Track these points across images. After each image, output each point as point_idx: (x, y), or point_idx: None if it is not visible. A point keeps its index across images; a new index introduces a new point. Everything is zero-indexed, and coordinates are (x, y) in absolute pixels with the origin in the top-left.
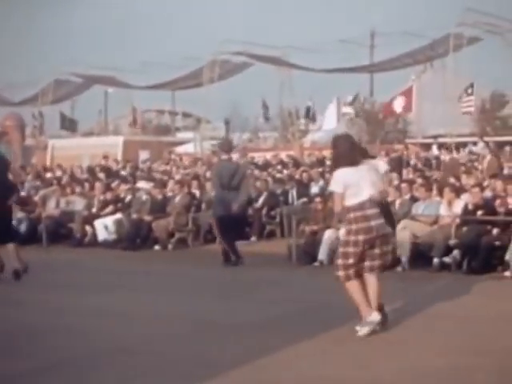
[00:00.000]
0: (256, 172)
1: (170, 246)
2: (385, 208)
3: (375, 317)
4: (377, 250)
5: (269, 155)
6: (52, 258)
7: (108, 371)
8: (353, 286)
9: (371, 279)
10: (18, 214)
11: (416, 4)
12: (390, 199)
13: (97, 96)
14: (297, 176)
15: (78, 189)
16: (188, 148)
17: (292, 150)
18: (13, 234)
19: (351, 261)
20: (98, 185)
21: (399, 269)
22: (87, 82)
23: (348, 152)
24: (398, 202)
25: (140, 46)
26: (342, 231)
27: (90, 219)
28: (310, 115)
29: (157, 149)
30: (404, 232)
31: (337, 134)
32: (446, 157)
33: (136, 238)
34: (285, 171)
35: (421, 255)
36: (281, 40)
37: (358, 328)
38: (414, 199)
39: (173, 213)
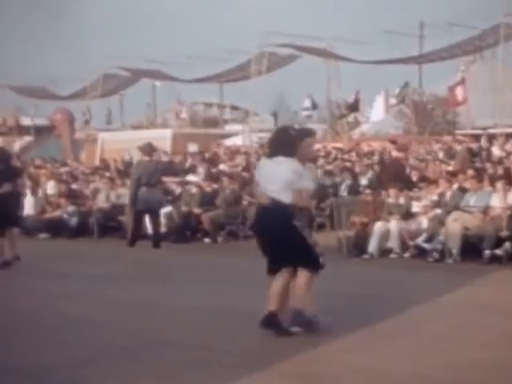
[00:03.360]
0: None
1: (219, 239)
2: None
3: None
4: None
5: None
6: (101, 251)
7: (151, 364)
8: None
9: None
10: (69, 208)
11: None
12: (439, 190)
13: (145, 89)
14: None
15: (128, 182)
16: (236, 140)
17: (340, 142)
18: (14, 219)
19: None
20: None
21: (450, 261)
22: (135, 75)
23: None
24: (448, 194)
25: (186, 39)
26: (393, 223)
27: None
28: (357, 106)
29: (205, 141)
30: (455, 224)
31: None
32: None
33: (185, 230)
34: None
35: (472, 247)
36: (327, 32)
37: None
38: (463, 190)
39: (222, 205)
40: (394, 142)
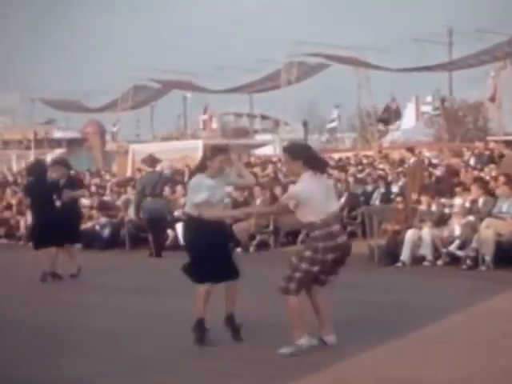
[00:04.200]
0: (335, 173)
1: (251, 249)
2: None
3: (305, 341)
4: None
5: (346, 155)
6: (133, 262)
7: (187, 374)
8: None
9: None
10: (102, 219)
11: (490, 1)
12: (472, 197)
13: (175, 101)
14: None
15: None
16: (267, 150)
17: (370, 150)
18: (77, 235)
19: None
20: (179, 188)
21: (483, 268)
22: (165, 87)
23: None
24: (480, 201)
25: (216, 50)
26: (426, 230)
27: (171, 223)
28: (394, 113)
29: (235, 151)
30: (488, 230)
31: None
32: None
33: None
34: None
35: (505, 254)
36: (356, 40)
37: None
38: (495, 197)
39: (254, 215)
40: (411, 149)
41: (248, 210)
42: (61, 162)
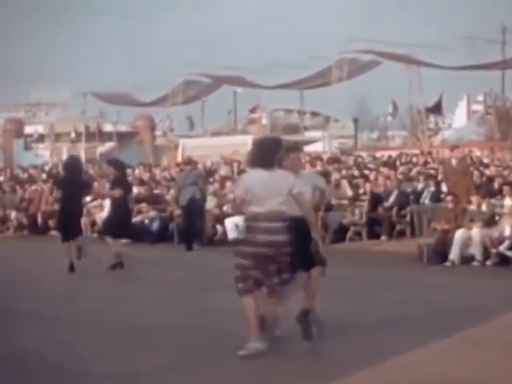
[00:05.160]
0: (385, 170)
1: None
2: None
3: (257, 344)
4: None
5: (394, 153)
6: (182, 256)
7: (233, 371)
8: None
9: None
10: (151, 213)
11: None
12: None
13: (225, 96)
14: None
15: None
16: (317, 147)
17: (421, 148)
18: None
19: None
20: (228, 183)
21: None
22: (216, 82)
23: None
24: None
25: (267, 46)
26: (475, 230)
27: (220, 218)
28: (440, 110)
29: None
30: None
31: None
32: None
33: None
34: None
35: None
36: (408, 38)
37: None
38: None
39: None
40: (453, 148)
41: None
42: (113, 163)
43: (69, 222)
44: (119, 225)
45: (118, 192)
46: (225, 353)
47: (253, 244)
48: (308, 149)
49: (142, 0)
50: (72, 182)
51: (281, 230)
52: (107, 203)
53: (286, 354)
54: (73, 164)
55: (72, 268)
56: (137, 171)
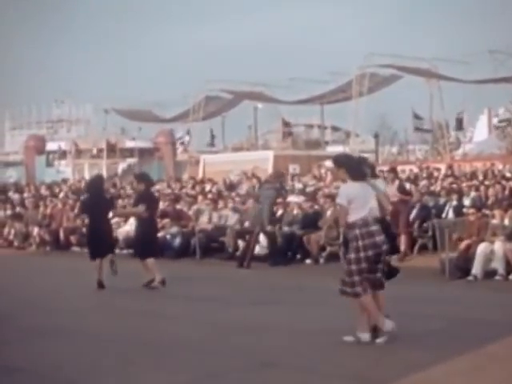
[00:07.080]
0: (407, 185)
1: (321, 260)
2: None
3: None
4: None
5: (415, 168)
6: (204, 272)
7: None
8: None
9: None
10: (173, 228)
11: None
12: None
13: (246, 111)
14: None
15: (230, 203)
16: None
17: (442, 162)
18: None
19: (357, 278)
20: (250, 200)
21: None
22: (237, 97)
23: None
24: None
25: (288, 61)
26: (498, 244)
27: (242, 233)
28: (462, 125)
29: (306, 163)
30: None
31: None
32: None
33: (287, 251)
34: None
35: None
36: (429, 52)
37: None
38: None
39: (324, 227)
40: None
41: None
42: (141, 178)
43: (100, 240)
44: (147, 245)
45: (142, 208)
46: (243, 368)
47: (373, 246)
48: (329, 164)
49: (163, 16)
50: (97, 201)
51: (381, 231)
52: (132, 220)
53: (312, 371)
54: (97, 183)
55: (101, 285)
56: (161, 186)
